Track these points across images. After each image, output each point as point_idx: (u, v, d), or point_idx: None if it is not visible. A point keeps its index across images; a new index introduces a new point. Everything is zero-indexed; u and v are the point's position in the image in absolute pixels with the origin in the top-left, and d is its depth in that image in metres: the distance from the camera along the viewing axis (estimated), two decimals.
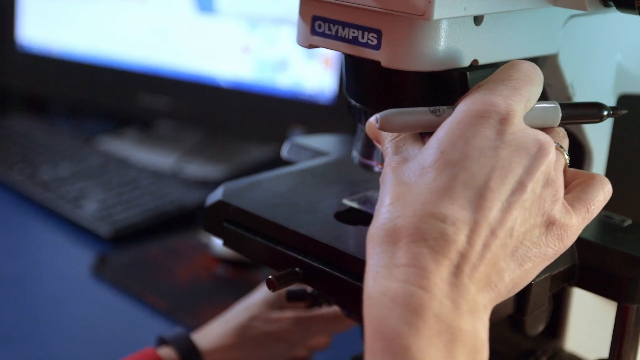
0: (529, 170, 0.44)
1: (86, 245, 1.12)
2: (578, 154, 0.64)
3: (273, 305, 0.72)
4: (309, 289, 0.69)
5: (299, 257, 0.54)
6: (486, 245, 0.42)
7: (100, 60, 1.44)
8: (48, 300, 1.00)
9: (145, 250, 1.11)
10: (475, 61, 0.52)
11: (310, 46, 0.54)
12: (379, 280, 0.42)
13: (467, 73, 0.53)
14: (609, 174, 0.66)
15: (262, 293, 0.73)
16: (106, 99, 1.48)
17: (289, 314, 0.71)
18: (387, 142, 0.49)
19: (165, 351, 0.69)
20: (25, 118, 1.55)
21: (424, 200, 0.43)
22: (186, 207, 1.20)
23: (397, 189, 0.44)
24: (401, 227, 0.42)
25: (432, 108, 0.49)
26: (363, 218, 0.59)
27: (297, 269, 0.54)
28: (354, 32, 0.51)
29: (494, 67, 0.54)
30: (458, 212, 0.42)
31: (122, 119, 1.55)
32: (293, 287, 0.65)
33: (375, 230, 0.44)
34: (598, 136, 0.65)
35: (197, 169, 1.37)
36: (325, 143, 0.75)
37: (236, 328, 0.70)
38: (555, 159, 0.47)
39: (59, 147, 1.39)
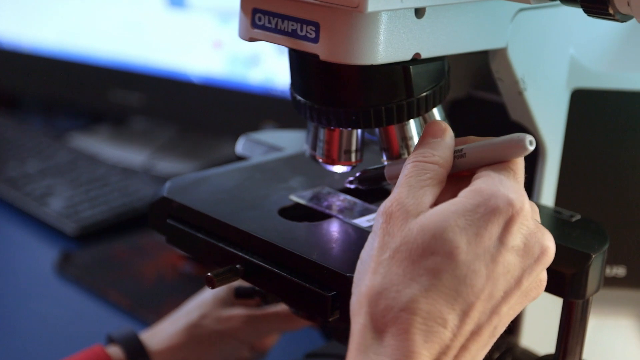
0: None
1: (51, 243, 1.11)
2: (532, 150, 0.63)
3: (224, 303, 0.71)
4: None
5: (240, 253, 0.53)
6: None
7: (72, 56, 1.43)
8: (10, 298, 0.99)
9: (110, 248, 1.09)
10: (417, 54, 0.51)
11: (251, 39, 0.53)
12: None
13: (410, 67, 0.52)
14: (563, 169, 0.65)
15: (212, 291, 0.72)
16: (77, 95, 1.46)
17: (239, 312, 0.70)
18: (409, 164, 0.48)
19: (114, 350, 0.68)
20: None
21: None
22: None
23: (395, 259, 0.44)
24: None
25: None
26: (309, 214, 0.58)
27: (237, 266, 0.53)
28: (292, 25, 0.50)
29: (437, 60, 0.54)
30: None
31: (93, 115, 1.54)
32: (241, 284, 0.65)
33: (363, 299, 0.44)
34: (552, 131, 0.64)
35: (169, 165, 1.36)
36: (281, 139, 0.74)
37: (186, 327, 0.69)
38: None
39: (27, 144, 1.37)
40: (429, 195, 0.46)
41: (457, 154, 0.49)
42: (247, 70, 1.29)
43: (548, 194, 0.65)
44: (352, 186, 0.60)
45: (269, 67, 1.28)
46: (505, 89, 0.61)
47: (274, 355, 0.79)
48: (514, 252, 0.44)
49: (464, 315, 0.43)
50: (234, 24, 1.29)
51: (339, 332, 0.62)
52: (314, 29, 0.49)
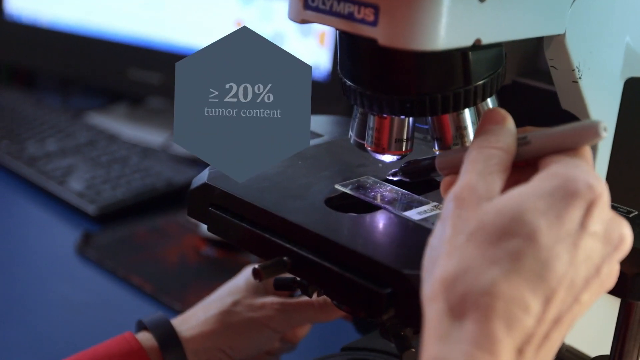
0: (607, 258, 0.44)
1: (72, 224, 1.09)
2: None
3: (257, 290, 0.69)
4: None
5: (287, 245, 0.51)
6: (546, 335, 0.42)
7: (91, 33, 1.40)
8: (32, 279, 0.97)
9: (132, 229, 1.08)
10: (478, 40, 0.49)
11: (303, 21, 0.51)
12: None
13: (470, 53, 0.50)
14: (614, 161, 0.63)
15: (245, 277, 0.70)
16: (96, 73, 1.44)
17: (272, 300, 0.68)
18: (474, 150, 0.46)
19: (144, 336, 0.66)
20: (13, 91, 1.51)
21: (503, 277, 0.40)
22: (176, 186, 1.17)
23: (471, 243, 0.42)
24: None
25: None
26: (356, 205, 0.56)
27: (284, 258, 0.51)
28: (349, 7, 0.48)
29: (495, 47, 0.51)
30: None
31: (112, 94, 1.52)
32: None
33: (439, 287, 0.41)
34: (605, 122, 0.61)
35: None
36: (317, 124, 0.72)
37: (218, 314, 0.67)
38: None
39: (47, 122, 1.35)
40: (498, 181, 0.45)
41: (521, 142, 0.47)
42: None
43: None
44: (396, 178, 0.58)
45: (291, 48, 1.25)
46: (559, 77, 0.59)
47: (309, 348, 0.77)
48: (595, 238, 0.42)
49: (547, 301, 0.40)
50: (256, 3, 1.27)
51: (378, 326, 0.60)
52: (372, 11, 0.46)
